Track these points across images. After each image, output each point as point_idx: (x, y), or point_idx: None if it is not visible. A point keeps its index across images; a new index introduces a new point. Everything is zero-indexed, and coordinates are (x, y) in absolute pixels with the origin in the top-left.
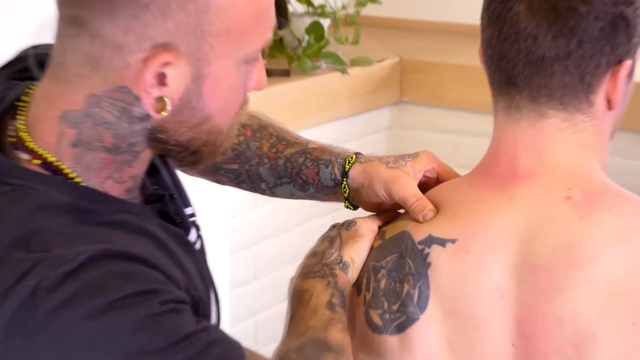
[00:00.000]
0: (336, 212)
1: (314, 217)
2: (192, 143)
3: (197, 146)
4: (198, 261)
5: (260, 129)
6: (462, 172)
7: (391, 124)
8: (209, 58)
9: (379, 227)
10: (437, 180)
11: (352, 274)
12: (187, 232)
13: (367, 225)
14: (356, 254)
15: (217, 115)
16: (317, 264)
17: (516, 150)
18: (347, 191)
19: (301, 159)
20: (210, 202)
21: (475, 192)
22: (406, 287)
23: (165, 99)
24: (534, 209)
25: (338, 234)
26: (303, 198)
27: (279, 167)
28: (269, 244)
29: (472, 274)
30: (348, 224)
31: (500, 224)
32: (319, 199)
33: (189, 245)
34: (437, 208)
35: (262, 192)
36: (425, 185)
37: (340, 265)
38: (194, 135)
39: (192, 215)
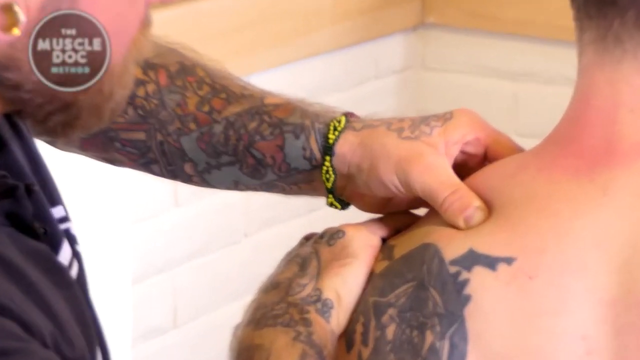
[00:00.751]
0: (312, 213)
1: (274, 222)
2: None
3: (72, 93)
4: (75, 298)
5: (183, 72)
6: (526, 144)
7: (406, 63)
8: None
9: (384, 240)
10: (484, 160)
11: (338, 319)
12: (56, 248)
13: (363, 238)
14: (344, 286)
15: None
16: (280, 304)
17: (615, 111)
18: (332, 179)
19: (254, 124)
20: (98, 198)
21: (547, 180)
22: (430, 337)
23: (15, 7)
24: None
25: (314, 253)
26: (256, 189)
27: (215, 138)
28: (198, 266)
29: (541, 317)
30: (331, 236)
31: (587, 233)
32: (284, 190)
33: (59, 272)
34: (485, 204)
35: (187, 180)
36: (464, 168)
37: (318, 305)
38: None
39: (65, 219)
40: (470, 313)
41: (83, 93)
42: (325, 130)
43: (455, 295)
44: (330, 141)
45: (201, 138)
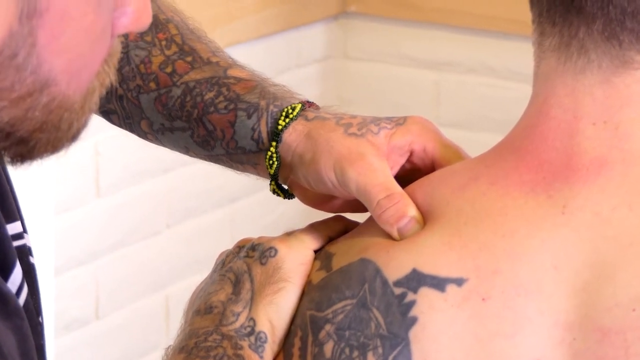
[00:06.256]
0: (234, 203)
1: (196, 212)
2: (19, 126)
3: (28, 131)
4: (19, 328)
5: (154, 27)
6: (447, 133)
7: (328, 52)
8: None
9: (320, 248)
10: (432, 170)
11: (272, 350)
12: (7, 273)
13: (296, 256)
14: (278, 315)
15: (63, 78)
16: (213, 334)
17: (576, 123)
18: (275, 165)
19: (211, 93)
20: (19, 190)
21: (502, 195)
22: (371, 358)
23: None
24: (604, 229)
25: (247, 273)
26: (206, 159)
27: (172, 101)
28: (120, 257)
29: (494, 339)
30: (263, 253)
31: (544, 254)
32: (231, 167)
33: (5, 301)
34: (427, 217)
35: (143, 136)
36: (411, 177)
37: (252, 338)
38: (22, 114)
39: (20, 235)
40: (416, 335)
41: (39, 130)
42: (277, 115)
43: (400, 317)
44: (280, 127)
45: (159, 99)
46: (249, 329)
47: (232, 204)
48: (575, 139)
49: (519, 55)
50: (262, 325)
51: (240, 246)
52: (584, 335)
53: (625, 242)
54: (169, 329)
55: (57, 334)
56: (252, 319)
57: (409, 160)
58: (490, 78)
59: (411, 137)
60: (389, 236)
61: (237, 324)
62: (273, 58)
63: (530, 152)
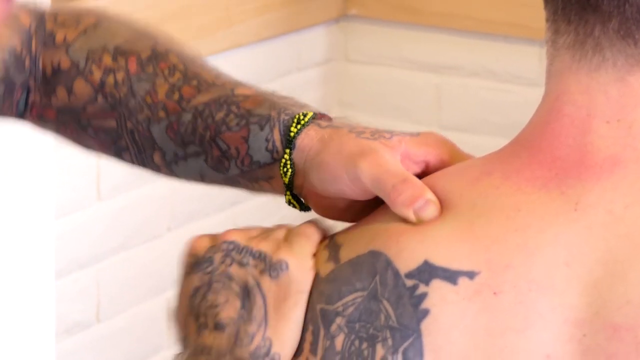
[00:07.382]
0: (235, 206)
1: (197, 215)
2: None
3: None
4: None
5: (155, 58)
6: (449, 137)
7: (329, 55)
8: None
9: (329, 237)
10: None
11: None
12: None
13: (304, 264)
14: (297, 328)
15: None
16: (226, 355)
17: (589, 121)
18: (290, 173)
19: (221, 113)
20: (20, 193)
21: (514, 190)
22: (380, 350)
23: None
24: (617, 227)
25: (257, 286)
26: (221, 184)
27: (183, 127)
28: (121, 261)
29: (505, 334)
30: (273, 267)
31: (557, 250)
32: (247, 187)
33: None
34: (441, 208)
35: (156, 170)
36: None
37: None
38: None
39: None
40: (428, 327)
41: None
42: (289, 123)
43: (411, 309)
44: (292, 134)
45: (170, 127)
46: (264, 350)
47: (233, 207)
48: (588, 136)
49: (520, 58)
50: (278, 347)
51: (252, 253)
52: (594, 333)
53: (637, 241)
54: (171, 332)
55: (58, 337)
56: (268, 338)
57: (424, 173)
58: (491, 81)
59: (427, 149)
60: (398, 225)
61: (253, 347)
62: (274, 61)
63: (543, 149)
